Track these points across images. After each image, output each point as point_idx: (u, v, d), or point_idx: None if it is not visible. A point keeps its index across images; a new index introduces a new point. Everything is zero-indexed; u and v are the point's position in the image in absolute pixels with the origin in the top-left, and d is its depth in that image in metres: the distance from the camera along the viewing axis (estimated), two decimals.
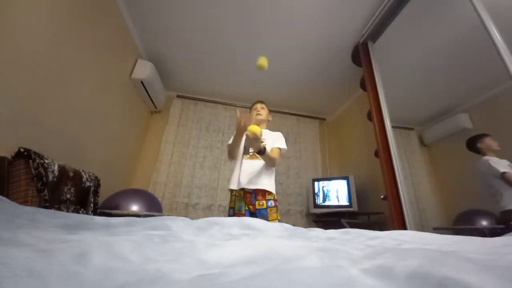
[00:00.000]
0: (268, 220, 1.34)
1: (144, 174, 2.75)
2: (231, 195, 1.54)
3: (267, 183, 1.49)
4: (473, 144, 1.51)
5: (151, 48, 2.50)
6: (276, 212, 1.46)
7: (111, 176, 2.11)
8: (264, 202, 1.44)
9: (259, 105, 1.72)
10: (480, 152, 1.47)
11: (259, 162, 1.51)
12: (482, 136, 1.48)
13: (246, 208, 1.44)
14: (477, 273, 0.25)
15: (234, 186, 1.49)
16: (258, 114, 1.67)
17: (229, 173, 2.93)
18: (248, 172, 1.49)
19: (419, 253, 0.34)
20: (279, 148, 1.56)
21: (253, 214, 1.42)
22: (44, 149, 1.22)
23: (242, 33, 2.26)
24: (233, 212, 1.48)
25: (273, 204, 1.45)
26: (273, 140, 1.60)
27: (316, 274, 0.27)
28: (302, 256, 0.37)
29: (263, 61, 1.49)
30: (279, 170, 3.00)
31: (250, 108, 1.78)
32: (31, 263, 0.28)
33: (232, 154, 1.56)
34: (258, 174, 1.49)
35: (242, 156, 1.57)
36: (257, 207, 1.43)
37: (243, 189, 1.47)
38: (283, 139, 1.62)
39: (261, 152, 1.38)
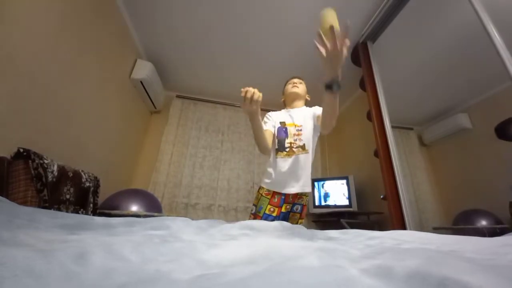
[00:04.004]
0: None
1: (144, 174, 2.75)
2: (258, 192, 1.32)
3: (309, 182, 1.27)
4: (507, 130, 1.25)
5: (151, 48, 2.50)
6: (300, 220, 1.28)
7: (111, 176, 2.10)
8: (290, 206, 1.28)
9: (296, 79, 1.43)
10: None
11: (301, 159, 1.23)
12: None
13: (266, 212, 1.24)
14: (476, 273, 0.25)
15: (274, 187, 1.26)
16: (295, 86, 1.39)
17: (229, 173, 2.93)
18: (288, 175, 1.24)
19: (419, 253, 0.34)
20: None
21: (272, 217, 1.24)
22: (44, 149, 1.22)
23: (242, 33, 2.26)
24: (255, 211, 1.30)
25: (298, 209, 1.28)
26: (314, 118, 1.29)
27: (315, 274, 0.27)
28: (302, 256, 0.37)
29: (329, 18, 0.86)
30: None
31: (284, 85, 1.48)
32: (30, 263, 0.28)
33: (260, 147, 1.20)
34: (300, 174, 1.24)
35: (276, 154, 1.27)
36: (282, 210, 1.26)
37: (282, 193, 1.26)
38: None
39: (332, 85, 0.96)
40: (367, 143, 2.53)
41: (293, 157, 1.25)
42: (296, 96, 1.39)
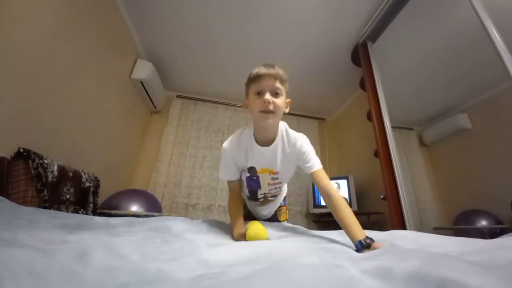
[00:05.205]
0: (279, 220, 1.25)
1: (144, 174, 2.75)
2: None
3: (282, 199, 1.26)
4: None
5: (151, 48, 2.50)
6: (286, 211, 1.32)
7: (111, 176, 2.10)
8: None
9: (270, 82, 0.80)
10: None
11: (275, 200, 1.15)
12: None
13: None
14: (475, 274, 0.25)
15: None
16: (267, 110, 0.79)
17: None
18: (264, 214, 1.20)
19: (419, 254, 0.34)
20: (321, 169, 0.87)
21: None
22: (44, 149, 1.22)
23: (242, 33, 2.26)
24: None
25: (282, 204, 1.30)
26: (295, 164, 0.94)
27: (316, 273, 0.27)
28: (302, 255, 0.37)
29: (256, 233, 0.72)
30: None
31: (249, 82, 0.87)
32: (31, 262, 0.28)
33: None
34: (275, 207, 1.23)
35: (250, 202, 1.11)
36: None
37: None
38: (313, 149, 0.91)
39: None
40: (367, 143, 2.53)
41: (267, 205, 1.12)
42: (266, 127, 0.85)
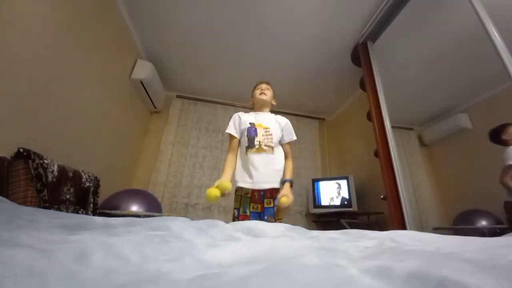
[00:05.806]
0: (275, 218, 1.32)
1: (144, 174, 2.75)
2: (236, 194, 1.40)
3: (279, 179, 1.40)
4: (497, 135, 1.41)
5: (151, 48, 2.50)
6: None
7: (111, 176, 2.10)
8: (272, 200, 1.35)
9: (264, 85, 1.53)
10: (505, 143, 1.37)
11: (269, 156, 1.38)
12: (505, 126, 1.38)
13: (251, 210, 1.35)
14: (475, 274, 0.25)
15: (246, 184, 1.34)
16: (262, 93, 1.49)
17: None
18: (259, 170, 1.34)
19: (418, 253, 0.34)
20: (290, 143, 1.49)
21: (258, 214, 1.33)
22: (44, 149, 1.22)
23: (242, 33, 2.26)
24: (238, 213, 1.36)
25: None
26: (281, 130, 1.47)
27: (315, 273, 0.27)
28: (302, 255, 0.37)
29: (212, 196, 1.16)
30: None
31: (253, 88, 1.58)
32: (31, 263, 0.28)
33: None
34: (270, 170, 1.37)
35: (247, 151, 1.38)
36: (265, 205, 1.34)
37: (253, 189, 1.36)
38: (292, 128, 1.51)
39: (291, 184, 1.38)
40: (367, 143, 2.53)
41: (263, 153, 1.37)
42: (263, 103, 1.51)
